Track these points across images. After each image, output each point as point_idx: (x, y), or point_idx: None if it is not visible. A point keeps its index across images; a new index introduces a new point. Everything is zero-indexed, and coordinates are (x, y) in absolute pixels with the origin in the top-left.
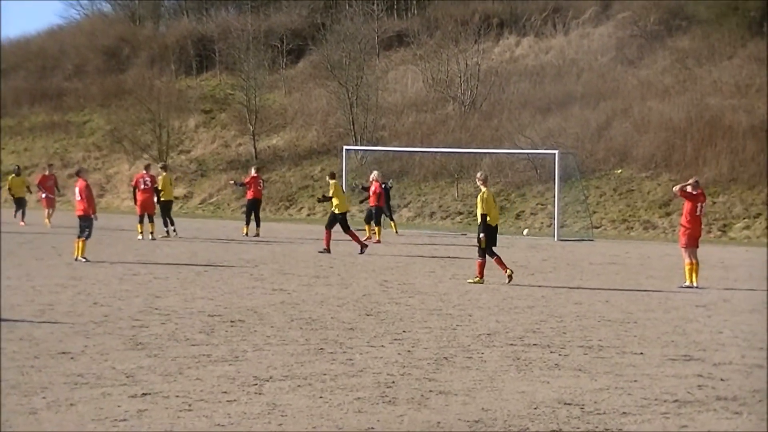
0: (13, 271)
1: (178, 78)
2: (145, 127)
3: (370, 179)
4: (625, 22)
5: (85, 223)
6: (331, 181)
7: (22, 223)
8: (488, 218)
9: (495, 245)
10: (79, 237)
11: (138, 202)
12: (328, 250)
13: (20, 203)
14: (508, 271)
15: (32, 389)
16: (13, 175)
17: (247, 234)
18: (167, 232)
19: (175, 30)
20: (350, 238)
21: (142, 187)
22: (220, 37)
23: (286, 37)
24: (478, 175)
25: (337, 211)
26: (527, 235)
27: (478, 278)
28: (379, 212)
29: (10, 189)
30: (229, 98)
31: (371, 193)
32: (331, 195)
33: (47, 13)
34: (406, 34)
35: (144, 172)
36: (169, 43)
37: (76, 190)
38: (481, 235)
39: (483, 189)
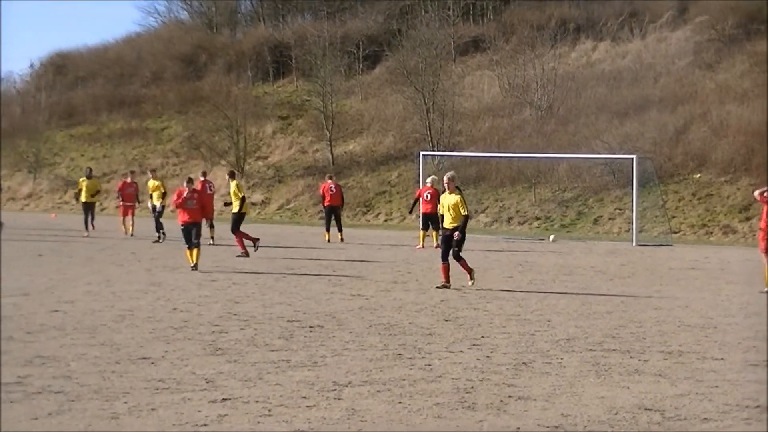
0: (93, 277)
1: (255, 84)
2: (223, 133)
3: (427, 184)
4: (702, 26)
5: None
6: (232, 182)
7: (86, 234)
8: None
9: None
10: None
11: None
12: (246, 254)
13: (87, 208)
14: (446, 282)
15: (114, 394)
16: (85, 177)
17: (329, 240)
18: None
19: (251, 37)
20: (236, 239)
21: (208, 192)
22: (297, 44)
23: (362, 43)
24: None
25: (235, 210)
26: (553, 240)
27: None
28: (434, 219)
29: (79, 191)
30: (305, 104)
31: (417, 197)
32: (240, 196)
33: (125, 20)
34: (482, 40)
35: (203, 179)
36: (245, 49)
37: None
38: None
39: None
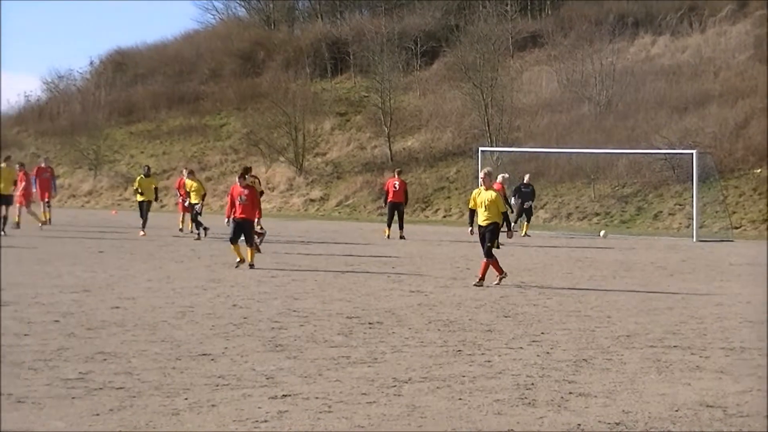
0: (153, 274)
1: (313, 81)
2: (281, 129)
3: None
4: (762, 19)
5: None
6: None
7: (142, 233)
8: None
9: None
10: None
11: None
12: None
13: (142, 207)
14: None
15: (174, 390)
16: (142, 175)
17: (389, 237)
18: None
19: (309, 33)
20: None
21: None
22: (354, 40)
23: (420, 39)
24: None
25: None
26: (604, 236)
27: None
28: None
29: (136, 189)
30: (363, 100)
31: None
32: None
33: (184, 18)
34: (540, 35)
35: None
36: (303, 46)
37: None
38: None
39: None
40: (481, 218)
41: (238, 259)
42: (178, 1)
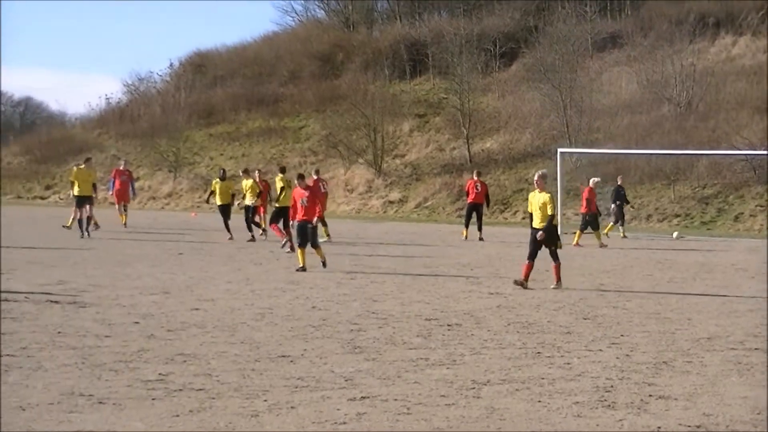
0: (233, 276)
1: (392, 82)
2: (360, 131)
3: (590, 185)
4: None
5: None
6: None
7: (230, 237)
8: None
9: (539, 249)
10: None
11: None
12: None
13: (223, 211)
14: (525, 281)
15: (254, 392)
16: (218, 179)
17: (466, 238)
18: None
19: (388, 35)
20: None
21: (322, 190)
22: (433, 41)
23: (498, 40)
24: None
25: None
26: (677, 238)
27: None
28: (594, 217)
29: (212, 193)
30: (442, 102)
31: (582, 198)
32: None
33: (263, 20)
34: (619, 36)
35: (315, 177)
36: (382, 47)
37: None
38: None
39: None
40: (536, 221)
41: (301, 265)
42: (257, 2)
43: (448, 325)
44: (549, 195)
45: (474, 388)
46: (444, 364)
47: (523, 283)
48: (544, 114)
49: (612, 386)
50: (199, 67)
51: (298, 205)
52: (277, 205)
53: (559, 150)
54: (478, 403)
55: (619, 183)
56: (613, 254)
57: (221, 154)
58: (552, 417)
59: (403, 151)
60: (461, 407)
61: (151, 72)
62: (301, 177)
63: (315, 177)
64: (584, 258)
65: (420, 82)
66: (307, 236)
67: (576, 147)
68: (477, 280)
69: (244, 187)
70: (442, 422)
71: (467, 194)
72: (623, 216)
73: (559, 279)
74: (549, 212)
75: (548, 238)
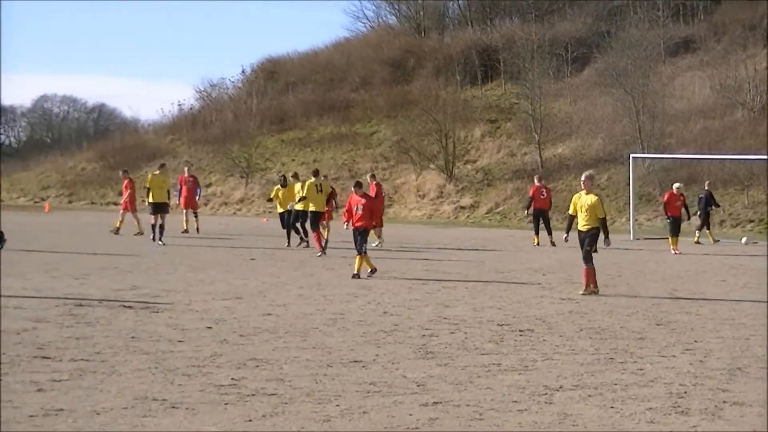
0: (305, 281)
1: (463, 88)
2: (431, 137)
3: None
4: None
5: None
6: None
7: (287, 245)
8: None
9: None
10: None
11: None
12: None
13: (283, 219)
14: (594, 287)
15: (326, 397)
16: (279, 186)
17: (538, 244)
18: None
19: (459, 40)
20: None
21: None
22: (505, 47)
23: (570, 45)
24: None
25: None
26: (746, 243)
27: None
28: (676, 222)
29: (270, 199)
30: (514, 107)
31: (664, 202)
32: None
33: (335, 26)
34: (692, 40)
35: (373, 182)
36: (453, 53)
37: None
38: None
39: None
40: (581, 222)
41: (356, 271)
42: (329, 9)
43: (520, 331)
44: (597, 197)
45: (546, 393)
46: (516, 370)
47: (593, 291)
48: (616, 119)
49: (686, 392)
50: (271, 74)
51: (354, 212)
52: (313, 209)
53: (632, 155)
54: (551, 409)
55: (707, 188)
56: (686, 259)
57: (293, 160)
58: (625, 423)
59: (475, 156)
60: (533, 413)
61: (224, 78)
62: (358, 185)
63: (374, 182)
64: (657, 263)
65: (491, 87)
66: (363, 243)
67: (648, 152)
68: (549, 285)
69: (295, 191)
70: (515, 428)
71: (533, 200)
72: (708, 222)
73: (588, 284)
74: (601, 214)
75: (591, 240)
